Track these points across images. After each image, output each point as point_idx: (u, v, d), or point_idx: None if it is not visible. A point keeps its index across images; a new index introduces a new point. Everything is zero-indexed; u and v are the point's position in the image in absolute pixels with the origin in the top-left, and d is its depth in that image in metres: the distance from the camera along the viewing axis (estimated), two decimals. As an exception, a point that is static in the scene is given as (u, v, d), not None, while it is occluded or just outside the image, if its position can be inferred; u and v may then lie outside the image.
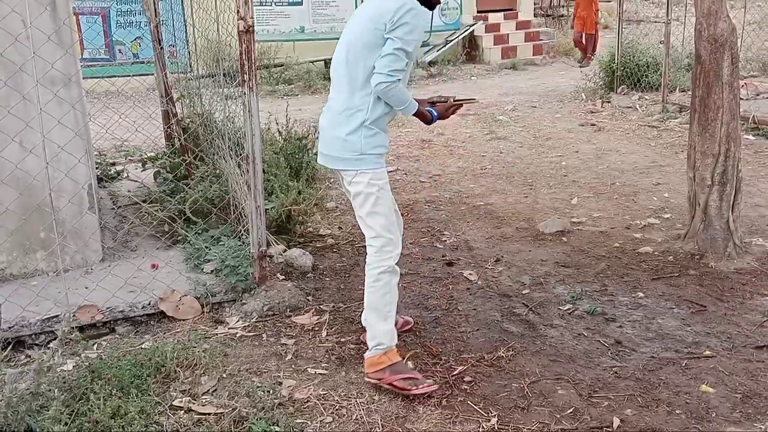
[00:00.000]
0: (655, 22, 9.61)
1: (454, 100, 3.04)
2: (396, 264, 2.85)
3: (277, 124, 5.46)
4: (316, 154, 5.51)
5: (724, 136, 3.79)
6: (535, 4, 17.55)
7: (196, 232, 4.07)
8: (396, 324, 2.96)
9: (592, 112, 8.63)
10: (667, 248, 4.18)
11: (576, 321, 3.36)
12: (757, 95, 8.13)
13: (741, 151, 3.90)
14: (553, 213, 5.01)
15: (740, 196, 3.90)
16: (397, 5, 2.63)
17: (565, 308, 3.49)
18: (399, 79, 2.69)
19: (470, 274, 3.98)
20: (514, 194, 5.53)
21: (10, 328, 3.16)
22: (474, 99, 3.41)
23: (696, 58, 3.88)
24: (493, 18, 14.56)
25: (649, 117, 8.08)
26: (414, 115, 2.88)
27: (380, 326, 2.81)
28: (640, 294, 3.62)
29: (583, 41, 13.40)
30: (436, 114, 2.98)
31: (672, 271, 3.87)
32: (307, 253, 4.14)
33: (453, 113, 3.06)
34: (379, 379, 2.77)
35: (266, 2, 12.55)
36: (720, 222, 3.84)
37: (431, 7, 2.87)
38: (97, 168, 5.14)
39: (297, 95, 10.88)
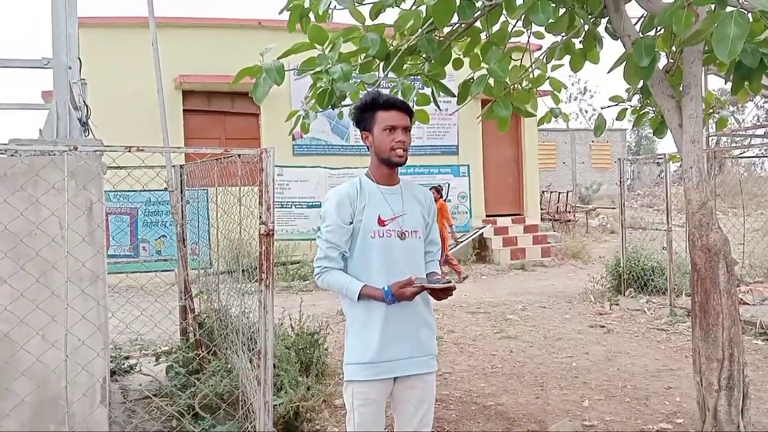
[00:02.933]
0: (656, 230, 10.01)
1: (425, 285, 2.70)
2: None
3: (290, 319, 5.60)
4: (327, 348, 5.64)
5: (726, 341, 3.85)
6: (542, 209, 18.38)
7: (203, 428, 4.06)
8: None
9: (601, 314, 8.73)
10: (682, 455, 4.09)
11: None
12: (763, 300, 8.26)
13: (745, 356, 3.94)
14: (564, 415, 4.95)
15: (749, 401, 3.88)
16: None
17: None
18: (325, 267, 2.78)
19: (480, 478, 3.88)
20: (524, 395, 5.49)
21: None
22: (450, 284, 2.73)
23: (692, 266, 4.06)
24: (502, 222, 15.21)
25: (657, 320, 8.16)
26: (367, 296, 2.73)
27: None
28: (656, 504, 3.50)
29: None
30: (387, 290, 2.71)
31: (687, 480, 3.77)
32: (314, 452, 4.09)
33: (417, 293, 2.70)
34: None
35: (286, 205, 13.28)
36: (731, 427, 3.79)
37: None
38: (111, 361, 5.22)
39: (312, 291, 11.13)
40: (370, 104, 2.85)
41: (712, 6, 3.14)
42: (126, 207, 11.02)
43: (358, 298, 2.75)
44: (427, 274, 2.94)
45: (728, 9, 2.91)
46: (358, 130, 2.95)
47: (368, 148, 2.92)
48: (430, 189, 13.03)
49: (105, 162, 4.05)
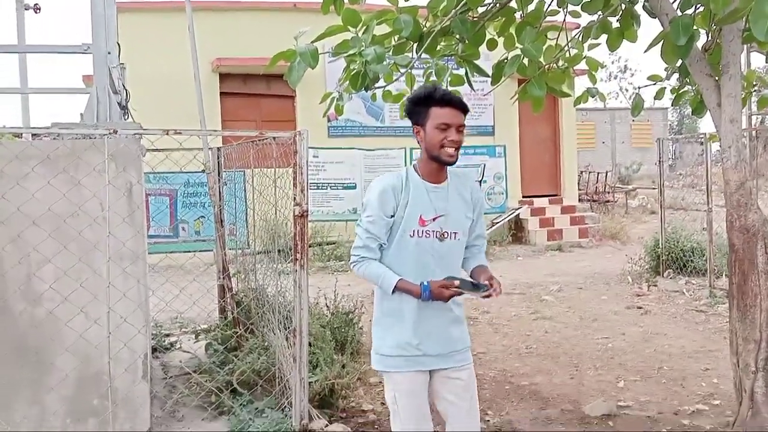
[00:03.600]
0: (696, 210, 9.83)
1: (459, 286, 2.70)
2: None
3: (325, 298, 5.68)
4: (361, 327, 5.70)
5: (764, 322, 3.80)
6: (580, 189, 18.16)
7: (241, 404, 4.17)
8: None
9: (638, 295, 8.64)
10: (717, 437, 4.07)
11: None
12: (806, 282, 8.06)
13: (783, 338, 3.89)
14: (599, 395, 4.95)
15: (786, 383, 3.84)
16: None
17: (610, 497, 3.39)
18: (362, 257, 2.75)
19: (512, 457, 3.91)
20: (559, 375, 5.49)
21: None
22: (484, 289, 2.74)
23: (730, 246, 4.00)
24: (538, 202, 15.08)
25: (696, 302, 8.06)
26: (403, 290, 2.72)
27: None
28: (689, 484, 3.50)
29: None
30: (426, 285, 2.69)
31: (722, 461, 3.75)
32: (349, 429, 4.16)
33: (454, 295, 2.73)
34: None
35: (322, 186, 13.37)
36: None
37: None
38: (152, 339, 5.37)
39: (347, 271, 11.20)
40: (425, 98, 2.75)
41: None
42: (165, 188, 11.23)
43: (393, 291, 2.74)
44: (473, 269, 2.92)
45: (769, -16, 2.84)
46: (409, 121, 2.84)
47: (419, 143, 2.83)
48: None
49: (144, 145, 4.14)
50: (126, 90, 5.21)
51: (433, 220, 2.77)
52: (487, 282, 2.74)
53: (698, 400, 4.78)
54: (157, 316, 6.11)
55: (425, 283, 2.69)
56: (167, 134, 3.57)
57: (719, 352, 5.95)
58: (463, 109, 2.75)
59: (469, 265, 2.97)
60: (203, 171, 5.63)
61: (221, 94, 13.64)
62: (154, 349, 5.42)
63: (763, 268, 3.85)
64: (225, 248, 5.56)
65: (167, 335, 6.14)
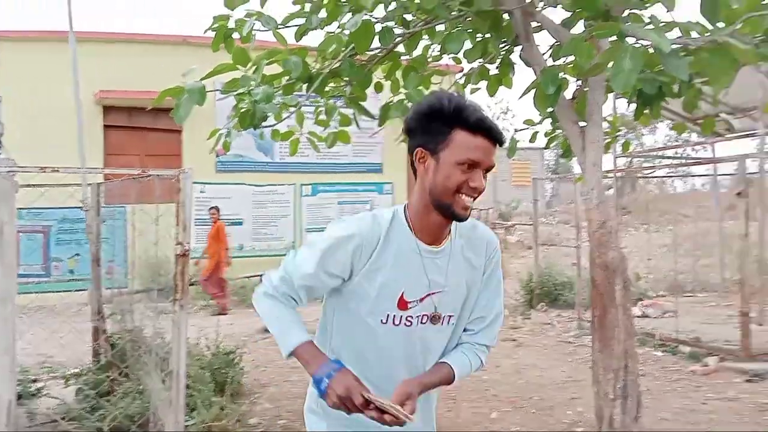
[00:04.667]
0: (567, 246, 10.43)
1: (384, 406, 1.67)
2: None
3: (206, 339, 5.58)
4: (242, 368, 5.61)
5: (621, 352, 4.10)
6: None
7: (114, 450, 4.02)
8: None
9: (513, 328, 9.00)
10: (582, 463, 4.31)
11: None
12: (664, 314, 8.71)
13: (638, 366, 4.20)
14: (473, 427, 5.12)
15: (641, 409, 4.14)
16: None
17: None
18: (271, 296, 1.87)
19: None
20: (437, 408, 5.63)
21: None
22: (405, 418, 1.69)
23: (592, 282, 4.30)
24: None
25: (565, 333, 8.52)
26: (295, 357, 1.80)
27: None
28: None
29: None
30: (325, 380, 1.70)
31: (586, 486, 3.98)
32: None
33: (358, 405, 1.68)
34: None
35: (209, 222, 13.13)
36: (625, 435, 4.03)
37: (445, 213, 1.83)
38: (18, 385, 5.07)
39: (230, 309, 11.02)
40: (449, 115, 1.76)
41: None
42: (39, 225, 10.66)
43: (289, 355, 1.81)
44: (436, 364, 1.97)
45: (628, 40, 3.09)
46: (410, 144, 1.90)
47: (415, 175, 1.90)
48: (210, 209, 11.61)
49: (18, 181, 3.97)
50: (0, 123, 4.98)
51: (421, 300, 1.85)
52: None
53: (564, 428, 5.06)
54: (24, 360, 5.78)
55: (331, 372, 1.72)
56: (44, 172, 3.46)
57: (585, 381, 6.28)
58: (499, 143, 1.81)
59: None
60: (81, 208, 5.43)
61: (105, 126, 13.23)
62: (19, 396, 5.11)
63: (621, 302, 4.16)
64: (101, 288, 5.36)
65: (34, 380, 5.79)
